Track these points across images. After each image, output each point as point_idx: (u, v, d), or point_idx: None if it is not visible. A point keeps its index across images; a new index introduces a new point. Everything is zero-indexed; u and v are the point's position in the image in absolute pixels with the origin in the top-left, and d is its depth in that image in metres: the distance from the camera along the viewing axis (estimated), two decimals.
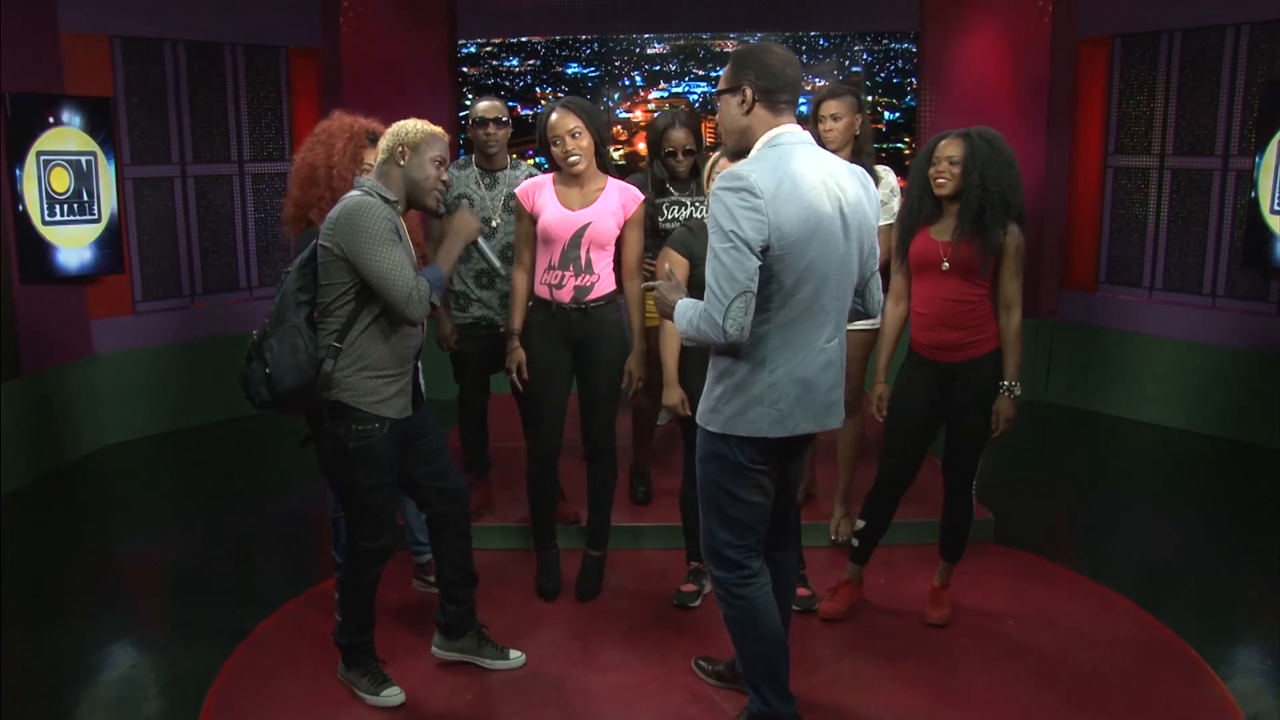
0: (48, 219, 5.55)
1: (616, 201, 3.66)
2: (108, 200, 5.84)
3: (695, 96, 6.98)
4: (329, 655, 3.35)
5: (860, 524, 3.72)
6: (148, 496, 5.38)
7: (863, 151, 4.06)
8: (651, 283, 2.82)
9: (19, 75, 5.44)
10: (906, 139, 6.81)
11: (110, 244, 5.89)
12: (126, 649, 3.71)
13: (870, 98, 6.82)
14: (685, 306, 2.59)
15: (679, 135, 4.10)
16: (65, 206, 5.64)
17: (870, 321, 4.16)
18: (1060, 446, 6.06)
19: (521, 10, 6.97)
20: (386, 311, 2.92)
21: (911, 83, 6.80)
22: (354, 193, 2.95)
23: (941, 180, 3.41)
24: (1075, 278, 6.87)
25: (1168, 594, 4.03)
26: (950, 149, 3.39)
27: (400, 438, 3.04)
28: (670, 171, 4.16)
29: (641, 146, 5.88)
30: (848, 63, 6.83)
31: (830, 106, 4.02)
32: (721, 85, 2.64)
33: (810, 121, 4.09)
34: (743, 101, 2.58)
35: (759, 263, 2.46)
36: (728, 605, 2.77)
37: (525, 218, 3.69)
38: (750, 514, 2.71)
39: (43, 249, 5.55)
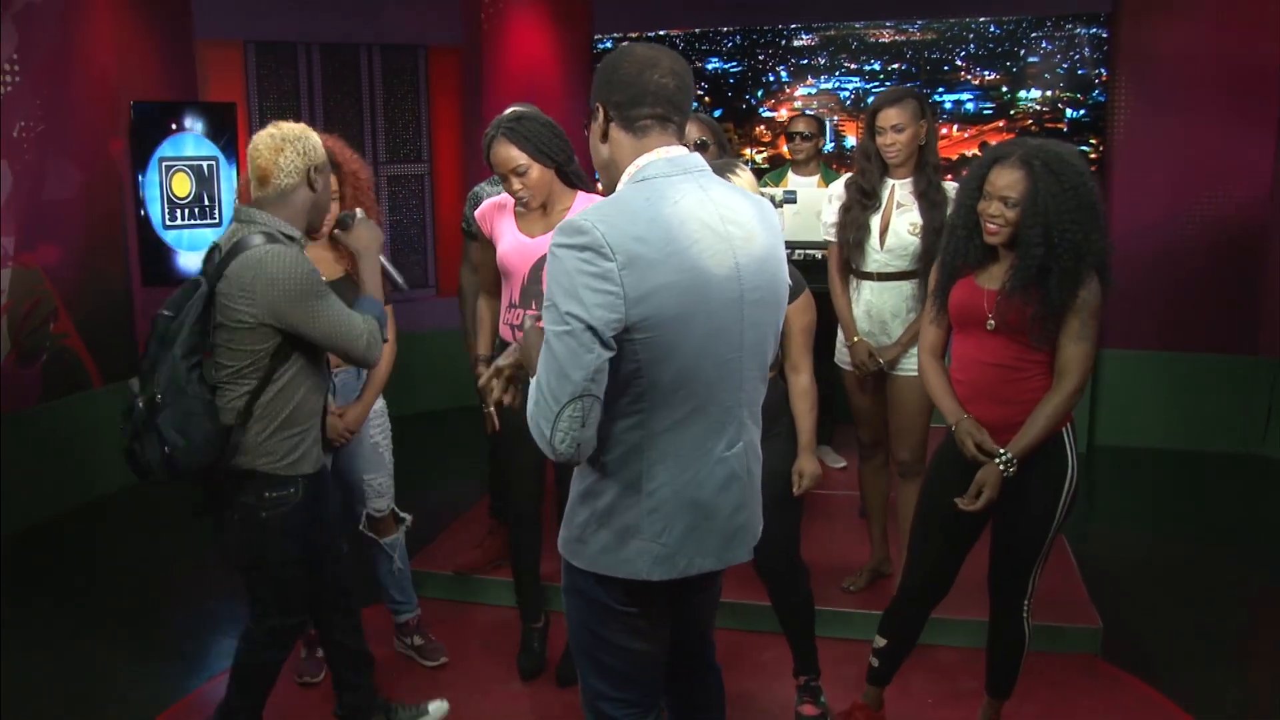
0: (169, 223, 5.70)
1: None
2: (229, 205, 5.94)
3: (846, 93, 6.25)
4: None
5: (880, 642, 3.00)
6: None
7: (927, 164, 3.39)
8: (501, 361, 2.11)
9: (152, 84, 5.60)
10: (1093, 140, 5.76)
11: None
12: (82, 686, 3.52)
13: (1050, 92, 5.85)
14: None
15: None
16: (186, 211, 5.76)
17: None
18: (1264, 515, 4.93)
19: (660, 2, 6.51)
20: (303, 365, 2.56)
21: (1101, 74, 5.74)
22: (254, 241, 2.44)
23: (992, 227, 2.63)
24: None
25: None
26: (1006, 182, 2.58)
27: (313, 493, 2.65)
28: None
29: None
30: (1022, 52, 5.86)
31: (890, 116, 3.34)
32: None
33: (867, 134, 3.44)
34: (597, 127, 1.92)
35: (608, 354, 1.74)
36: None
37: (486, 244, 3.21)
38: (629, 662, 2.05)
39: (164, 253, 5.70)
